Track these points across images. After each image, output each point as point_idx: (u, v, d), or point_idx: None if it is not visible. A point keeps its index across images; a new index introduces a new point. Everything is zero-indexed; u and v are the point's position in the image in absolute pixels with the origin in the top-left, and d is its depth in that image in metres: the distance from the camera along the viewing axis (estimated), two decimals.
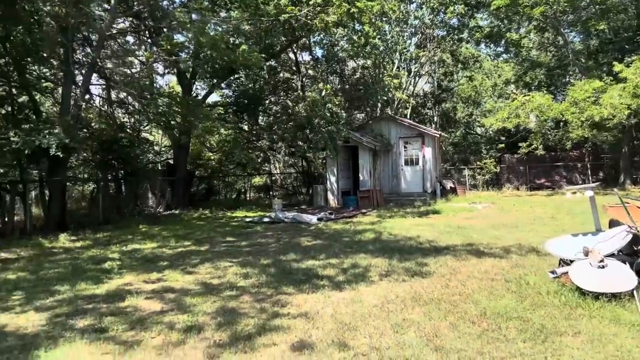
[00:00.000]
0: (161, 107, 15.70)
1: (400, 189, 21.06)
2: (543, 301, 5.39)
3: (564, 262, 6.17)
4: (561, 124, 23.60)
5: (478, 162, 26.85)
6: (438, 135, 21.40)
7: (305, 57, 27.81)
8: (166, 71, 23.77)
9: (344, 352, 4.28)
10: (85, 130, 17.88)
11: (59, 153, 12.74)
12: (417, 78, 30.98)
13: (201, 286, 6.85)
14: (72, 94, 14.83)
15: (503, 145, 27.47)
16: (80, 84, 14.90)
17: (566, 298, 5.37)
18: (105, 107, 20.38)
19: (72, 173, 18.32)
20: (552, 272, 6.02)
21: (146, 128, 23.48)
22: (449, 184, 23.05)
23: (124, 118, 21.32)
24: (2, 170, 15.71)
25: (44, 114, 15.14)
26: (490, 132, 31.36)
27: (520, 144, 23.14)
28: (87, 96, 20.83)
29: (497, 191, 24.67)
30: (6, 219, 13.28)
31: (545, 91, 25.12)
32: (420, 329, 4.75)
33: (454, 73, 32.72)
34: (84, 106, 15.93)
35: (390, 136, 21.21)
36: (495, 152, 27.42)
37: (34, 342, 4.77)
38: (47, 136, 12.49)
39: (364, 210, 16.79)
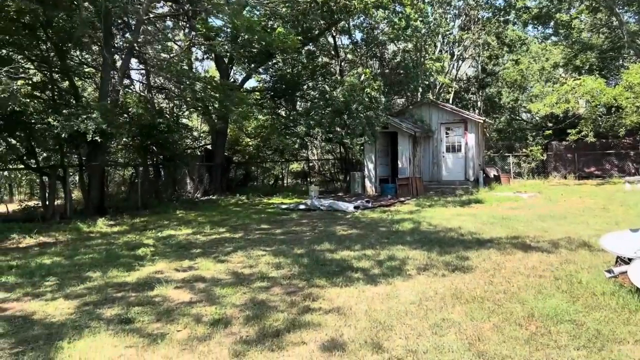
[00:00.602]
0: (199, 93, 15.66)
1: (441, 177, 20.45)
2: (598, 303, 4.91)
3: (621, 261, 5.64)
4: (613, 109, 22.30)
5: (524, 150, 25.81)
6: (482, 121, 20.60)
7: (345, 40, 27.26)
8: (205, 57, 23.79)
9: (377, 354, 3.97)
10: (125, 115, 18.08)
11: (97, 138, 12.84)
12: (460, 62, 29.98)
13: (232, 276, 6.66)
14: (113, 79, 14.92)
15: (550, 131, 26.28)
16: (118, 69, 14.95)
17: (624, 300, 4.87)
18: (145, 92, 20.53)
19: (113, 158, 18.61)
20: (609, 272, 5.51)
21: (185, 114, 23.61)
22: (492, 172, 22.25)
23: (162, 103, 21.45)
24: (45, 155, 16.10)
25: (84, 99, 15.32)
26: (537, 118, 30.08)
27: (569, 131, 22.02)
28: (127, 81, 21.09)
29: (543, 180, 23.68)
30: (47, 203, 13.55)
31: (597, 75, 23.77)
32: (461, 331, 4.38)
33: (499, 56, 31.44)
34: (122, 91, 16.00)
35: (431, 122, 20.56)
36: (542, 139, 26.23)
37: (59, 331, 4.68)
38: (85, 121, 12.59)
39: (402, 199, 16.34)
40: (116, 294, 5.95)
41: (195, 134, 24.18)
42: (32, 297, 5.92)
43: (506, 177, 22.11)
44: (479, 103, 31.66)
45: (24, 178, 21.02)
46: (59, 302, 5.65)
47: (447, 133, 20.59)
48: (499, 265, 6.76)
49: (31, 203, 14.10)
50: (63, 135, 12.65)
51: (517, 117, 32.98)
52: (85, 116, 12.73)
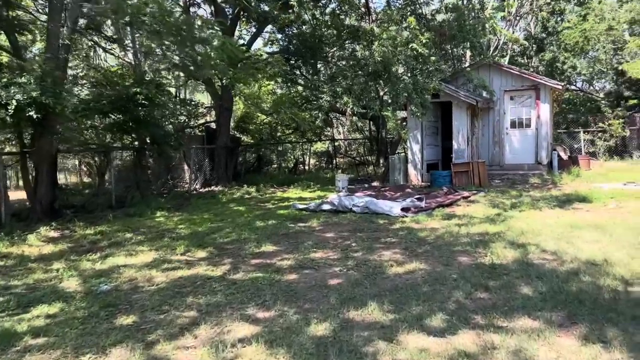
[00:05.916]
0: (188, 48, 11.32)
1: (504, 160, 15.88)
2: None
3: None
4: None
5: (601, 124, 20.83)
6: (560, 87, 15.86)
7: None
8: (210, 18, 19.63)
9: None
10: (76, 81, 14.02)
11: (31, 113, 8.88)
12: (516, 19, 24.98)
13: None
14: (62, 31, 10.77)
15: (636, 100, 21.20)
16: (67, 16, 10.68)
17: None
18: (125, 53, 16.34)
19: (86, 139, 14.54)
20: None
21: (176, 83, 19.09)
22: (562, 153, 17.56)
23: (145, 67, 16.87)
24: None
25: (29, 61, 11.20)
26: (611, 86, 24.89)
27: None
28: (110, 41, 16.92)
29: (627, 160, 18.98)
30: None
31: None
32: None
33: (563, 12, 26.07)
34: (71, 47, 11.82)
35: (493, 89, 15.81)
36: (623, 111, 21.05)
37: None
38: (8, 89, 8.57)
39: (465, 193, 11.72)
40: None
41: (192, 108, 19.60)
42: None
43: (586, 159, 17.29)
44: (540, 68, 26.44)
45: None
46: None
47: (511, 104, 15.99)
48: None
49: None
50: None
51: (574, 86, 27.67)
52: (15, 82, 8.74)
